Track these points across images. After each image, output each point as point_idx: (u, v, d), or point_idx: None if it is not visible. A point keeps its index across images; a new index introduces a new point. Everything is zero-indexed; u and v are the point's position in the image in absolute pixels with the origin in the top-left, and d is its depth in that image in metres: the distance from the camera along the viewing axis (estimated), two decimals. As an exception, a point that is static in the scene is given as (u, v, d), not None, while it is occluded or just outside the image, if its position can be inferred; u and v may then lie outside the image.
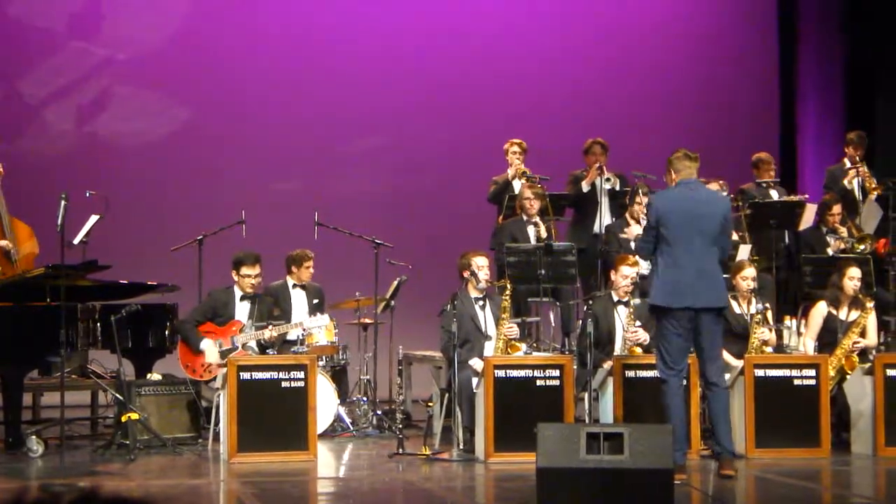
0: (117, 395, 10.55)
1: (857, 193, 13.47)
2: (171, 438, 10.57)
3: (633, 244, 11.46)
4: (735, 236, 12.10)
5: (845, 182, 13.43)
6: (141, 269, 12.75)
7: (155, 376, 11.15)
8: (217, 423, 10.46)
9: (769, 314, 11.10)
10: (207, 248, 12.41)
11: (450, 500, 8.55)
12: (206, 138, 15.39)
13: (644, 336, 10.56)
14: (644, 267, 11.32)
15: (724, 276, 9.72)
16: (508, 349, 10.51)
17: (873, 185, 13.26)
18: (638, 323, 10.62)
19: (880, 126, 15.81)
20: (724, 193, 11.95)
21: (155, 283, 11.87)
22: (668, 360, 9.12)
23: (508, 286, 10.70)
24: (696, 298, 9.03)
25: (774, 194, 13.28)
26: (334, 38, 15.80)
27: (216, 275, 11.89)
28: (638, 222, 11.85)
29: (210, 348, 10.93)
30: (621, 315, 10.74)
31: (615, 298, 10.82)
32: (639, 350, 10.54)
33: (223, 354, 10.83)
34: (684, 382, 9.42)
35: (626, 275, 10.75)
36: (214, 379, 10.79)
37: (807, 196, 13.54)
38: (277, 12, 15.72)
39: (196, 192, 15.03)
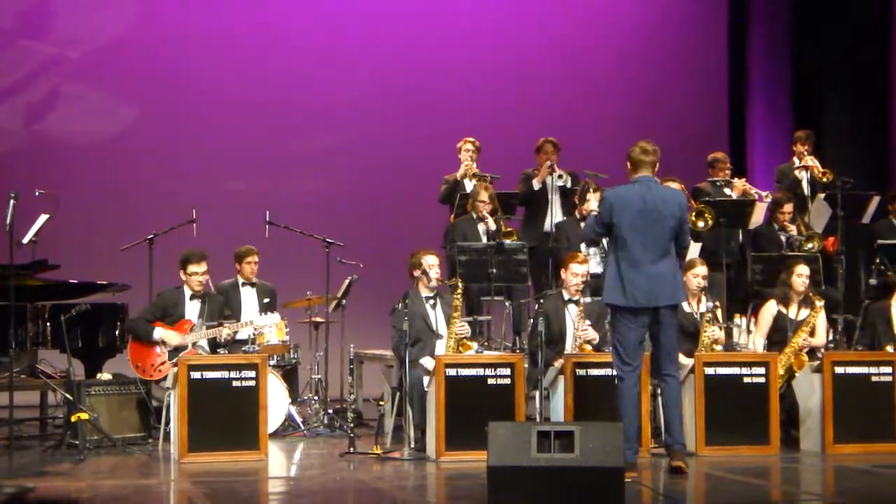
0: (67, 395, 10.47)
1: (806, 190, 13.57)
2: (121, 438, 10.52)
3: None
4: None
5: (796, 173, 13.55)
6: (91, 268, 12.73)
7: (105, 376, 11.10)
8: (167, 423, 10.41)
9: (719, 312, 11.15)
10: (158, 247, 12.35)
11: (401, 499, 8.55)
12: (157, 137, 15.33)
13: (594, 334, 10.60)
14: (595, 265, 11.39)
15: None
16: (460, 348, 10.52)
17: (822, 171, 13.37)
18: (588, 322, 10.65)
19: (827, 126, 15.93)
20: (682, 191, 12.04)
21: (105, 283, 11.84)
22: (623, 356, 9.12)
23: (460, 285, 10.71)
24: (650, 297, 9.03)
25: (729, 192, 13.35)
26: (285, 38, 15.78)
27: (167, 274, 11.84)
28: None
29: (166, 334, 10.90)
30: (572, 313, 10.76)
31: (566, 297, 10.84)
32: (588, 347, 10.58)
33: (173, 353, 10.80)
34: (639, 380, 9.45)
35: (576, 272, 10.78)
36: (165, 378, 10.75)
37: (769, 193, 13.57)
38: (228, 12, 15.68)
39: (146, 191, 14.96)
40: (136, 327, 11.10)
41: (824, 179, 13.37)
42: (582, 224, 11.91)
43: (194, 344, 10.98)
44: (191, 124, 15.39)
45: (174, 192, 14.65)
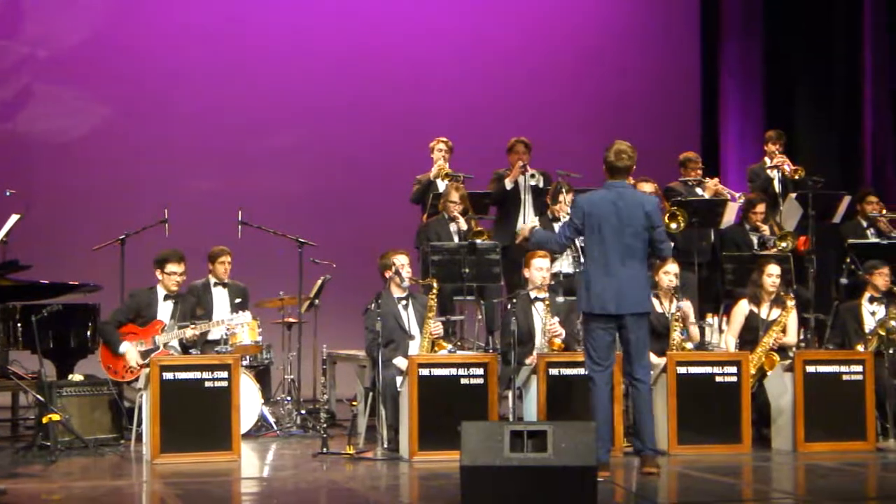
0: (38, 397, 10.43)
1: (778, 190, 13.64)
2: (92, 439, 10.49)
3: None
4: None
5: (767, 171, 13.64)
6: (62, 268, 12.64)
7: (76, 377, 11.04)
8: (139, 424, 10.39)
9: (691, 312, 11.18)
10: (130, 247, 12.31)
11: (374, 499, 8.55)
12: (128, 136, 15.29)
13: (560, 329, 10.61)
14: (567, 265, 11.40)
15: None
16: (435, 347, 10.53)
17: (793, 168, 13.47)
18: (556, 318, 10.65)
19: (799, 127, 16.00)
20: (655, 194, 12.08)
21: (77, 283, 11.77)
22: (595, 357, 9.13)
23: (435, 285, 10.70)
24: (617, 304, 9.02)
25: (700, 192, 13.40)
26: (257, 37, 15.75)
27: (139, 274, 11.82)
28: (559, 220, 11.92)
29: (130, 351, 10.88)
30: (539, 311, 10.77)
31: (532, 295, 10.85)
32: (558, 341, 10.59)
33: (145, 355, 10.78)
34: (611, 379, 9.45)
35: (539, 267, 10.78)
36: (137, 379, 10.72)
37: (742, 194, 13.59)
38: (198, 11, 15.65)
39: (118, 190, 14.91)
40: (106, 333, 11.07)
41: (796, 177, 13.47)
42: (555, 225, 11.95)
43: (166, 344, 10.96)
44: (162, 123, 15.36)
45: (146, 191, 14.63)
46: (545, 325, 10.68)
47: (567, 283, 11.34)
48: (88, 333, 11.62)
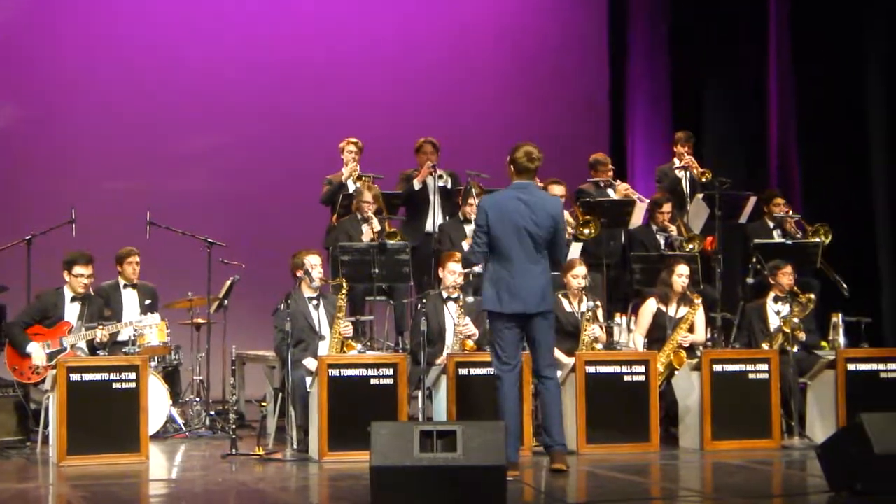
0: (-58, 399, 10.32)
1: (686, 188, 13.77)
2: (-2, 442, 10.41)
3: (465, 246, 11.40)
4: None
5: (676, 172, 13.77)
6: (-33, 270, 12.51)
7: (-19, 379, 10.95)
8: (46, 426, 10.29)
9: (599, 312, 11.25)
10: (36, 248, 12.18)
11: (283, 500, 8.53)
12: (34, 135, 15.09)
13: (474, 330, 10.65)
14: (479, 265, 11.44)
15: (555, 273, 9.86)
16: (344, 348, 10.52)
17: (701, 171, 13.60)
18: (467, 319, 10.69)
19: (706, 129, 16.13)
20: (563, 196, 12.14)
21: (-19, 285, 11.66)
22: (501, 355, 9.17)
23: (344, 285, 10.70)
24: (524, 303, 9.07)
25: (611, 193, 13.48)
26: (166, 36, 15.62)
27: (45, 275, 11.70)
28: (470, 221, 11.94)
29: (37, 351, 10.77)
30: (451, 311, 10.81)
31: (444, 295, 10.88)
32: (470, 343, 10.63)
33: (52, 356, 10.67)
34: (518, 379, 9.49)
35: (453, 270, 10.82)
36: (43, 381, 10.61)
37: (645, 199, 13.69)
38: (107, 8, 15.50)
39: (23, 190, 14.73)
40: (12, 334, 10.95)
41: (703, 179, 13.60)
42: (466, 227, 11.99)
43: (73, 346, 10.86)
44: (68, 122, 15.18)
45: (52, 191, 14.46)
46: (457, 325, 10.71)
47: (476, 282, 11.35)
48: (-7, 335, 11.50)
